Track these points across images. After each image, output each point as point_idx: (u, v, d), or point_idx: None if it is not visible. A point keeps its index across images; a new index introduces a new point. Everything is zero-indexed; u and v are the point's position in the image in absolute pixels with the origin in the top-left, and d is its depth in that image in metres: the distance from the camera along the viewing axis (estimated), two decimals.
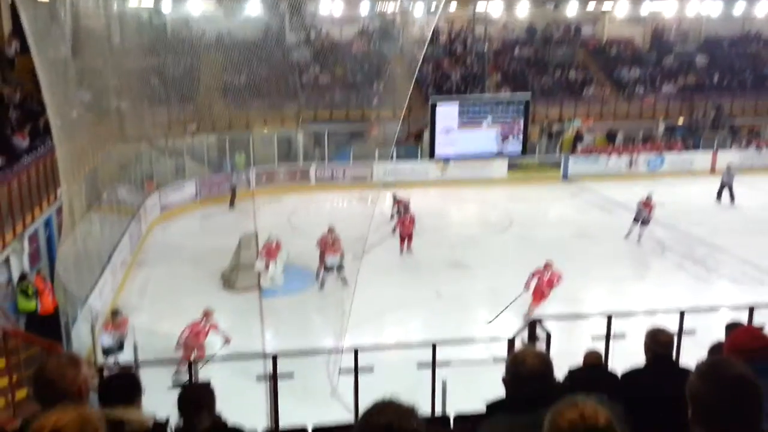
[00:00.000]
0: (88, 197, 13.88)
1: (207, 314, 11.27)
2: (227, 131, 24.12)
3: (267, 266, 14.84)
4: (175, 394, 3.65)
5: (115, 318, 11.17)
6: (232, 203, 22.22)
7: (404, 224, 17.17)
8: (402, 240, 17.17)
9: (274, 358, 5.92)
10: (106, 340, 10.94)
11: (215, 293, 14.73)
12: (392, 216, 18.13)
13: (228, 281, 15.18)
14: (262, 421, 8.08)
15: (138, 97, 21.57)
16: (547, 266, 13.37)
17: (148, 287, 15.40)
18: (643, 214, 17.71)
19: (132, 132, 19.85)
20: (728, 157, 26.65)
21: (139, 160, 20.85)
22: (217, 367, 8.31)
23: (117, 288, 14.56)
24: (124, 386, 3.63)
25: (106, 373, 4.72)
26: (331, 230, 15.12)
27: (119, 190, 17.74)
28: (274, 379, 5.93)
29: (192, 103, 23.87)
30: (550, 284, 13.25)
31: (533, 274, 13.33)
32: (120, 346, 10.97)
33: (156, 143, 22.69)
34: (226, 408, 3.85)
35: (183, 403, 3.62)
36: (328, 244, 14.85)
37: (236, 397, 7.93)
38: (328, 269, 14.79)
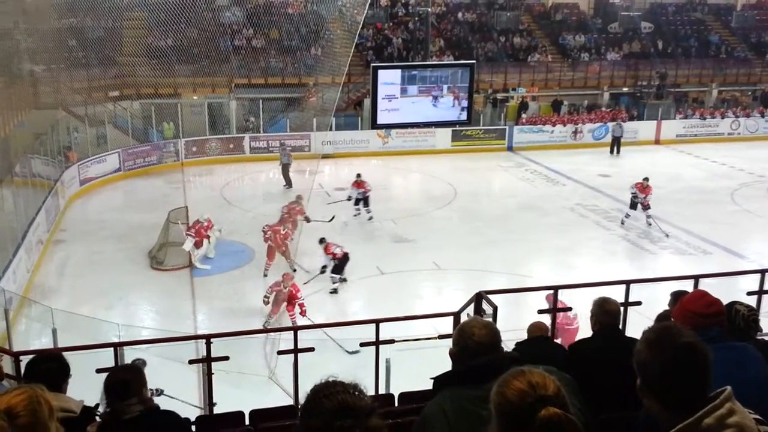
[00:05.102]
0: None
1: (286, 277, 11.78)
2: (153, 98, 23.43)
3: (200, 245, 14.54)
4: (99, 379, 3.53)
5: None
6: (289, 182, 20.48)
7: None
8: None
9: (208, 341, 5.82)
10: None
11: (142, 272, 14.38)
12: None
13: (156, 260, 14.85)
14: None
15: (54, 60, 20.68)
16: None
17: (66, 267, 14.89)
18: (639, 199, 16.85)
19: (47, 98, 19.14)
20: (672, 126, 27.72)
21: (56, 129, 20.05)
22: (146, 351, 8.13)
23: (33, 269, 14.02)
24: (51, 370, 3.49)
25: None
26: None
27: (34, 161, 17.03)
28: (207, 362, 5.84)
29: (114, 68, 23.07)
30: None
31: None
32: None
33: (74, 111, 21.88)
34: None
35: (110, 388, 3.49)
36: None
37: (167, 382, 7.81)
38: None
